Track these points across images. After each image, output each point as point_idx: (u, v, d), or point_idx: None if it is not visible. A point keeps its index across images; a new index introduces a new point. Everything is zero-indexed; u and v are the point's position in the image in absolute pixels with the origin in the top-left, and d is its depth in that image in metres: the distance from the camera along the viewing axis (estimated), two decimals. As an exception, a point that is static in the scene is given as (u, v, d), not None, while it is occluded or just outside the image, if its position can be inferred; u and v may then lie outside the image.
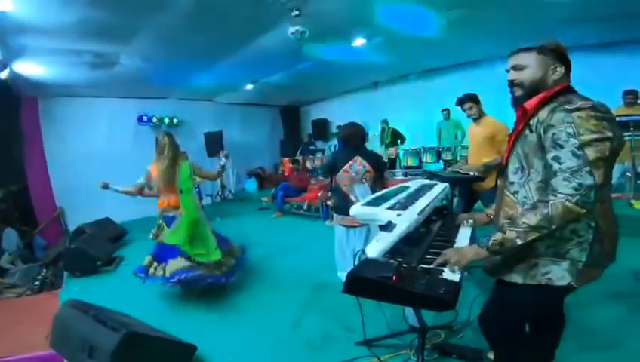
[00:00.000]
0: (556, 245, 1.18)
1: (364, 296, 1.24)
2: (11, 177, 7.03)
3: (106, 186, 3.24)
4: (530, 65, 1.24)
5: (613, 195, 1.32)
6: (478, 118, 3.10)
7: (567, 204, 1.04)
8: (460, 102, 3.14)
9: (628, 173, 4.38)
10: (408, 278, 1.17)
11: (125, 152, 7.43)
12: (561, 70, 1.21)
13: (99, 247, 4.57)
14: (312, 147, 9.60)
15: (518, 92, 1.27)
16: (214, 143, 8.82)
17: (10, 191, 7.16)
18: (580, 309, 2.26)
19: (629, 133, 4.02)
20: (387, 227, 1.30)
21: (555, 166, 1.09)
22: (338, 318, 2.53)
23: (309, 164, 8.47)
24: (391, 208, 1.47)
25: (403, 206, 1.50)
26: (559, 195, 1.05)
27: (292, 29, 4.40)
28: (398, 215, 1.36)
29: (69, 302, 2.01)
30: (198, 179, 6.85)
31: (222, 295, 3.21)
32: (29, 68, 5.22)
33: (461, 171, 3.10)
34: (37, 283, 4.15)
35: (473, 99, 3.08)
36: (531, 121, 1.20)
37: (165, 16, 4.09)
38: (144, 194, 3.32)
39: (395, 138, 7.69)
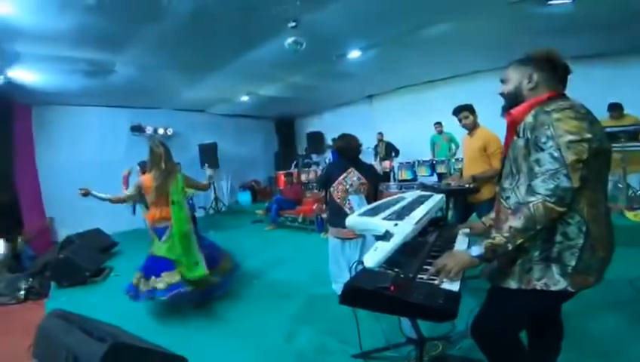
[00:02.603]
0: (547, 249, 1.19)
1: (361, 307, 1.22)
2: (1, 187, 6.91)
3: (86, 193, 3.13)
4: (510, 78, 1.34)
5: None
6: (473, 128, 3.14)
7: (548, 204, 1.09)
8: (457, 111, 3.17)
9: (619, 185, 4.44)
10: (406, 289, 1.15)
11: (117, 163, 7.31)
12: (537, 77, 1.26)
13: (88, 258, 4.48)
14: (306, 160, 9.62)
15: (505, 102, 1.37)
16: (209, 155, 8.77)
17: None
18: (579, 318, 2.25)
19: (620, 145, 4.09)
20: (384, 236, 1.28)
21: (536, 168, 1.14)
22: (333, 331, 2.48)
23: (303, 177, 8.47)
24: (387, 218, 1.45)
25: (399, 216, 1.48)
26: (538, 196, 1.10)
27: (289, 40, 4.46)
28: (395, 224, 1.35)
29: (53, 311, 1.95)
30: (190, 191, 6.83)
31: (214, 307, 3.15)
32: (23, 75, 5.19)
33: (452, 183, 3.13)
34: (22, 292, 4.03)
35: (469, 109, 3.13)
36: (519, 127, 1.26)
37: (161, 25, 4.10)
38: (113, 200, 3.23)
39: (389, 151, 7.75)
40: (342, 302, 1.20)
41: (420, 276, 1.27)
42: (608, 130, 4.00)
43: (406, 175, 7.08)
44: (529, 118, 1.21)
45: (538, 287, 1.20)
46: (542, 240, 1.19)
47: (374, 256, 1.16)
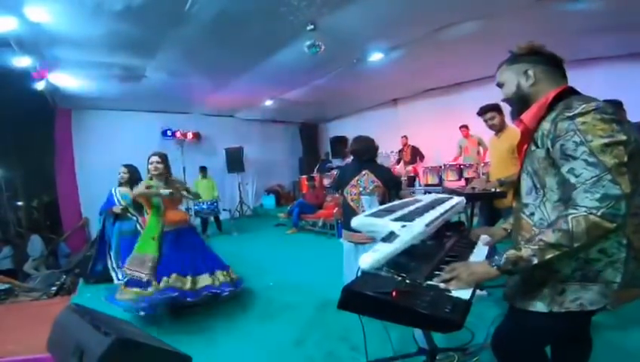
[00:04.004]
0: (584, 268, 1.04)
1: (360, 313, 1.13)
2: (44, 187, 7.39)
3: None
4: (505, 80, 1.23)
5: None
6: (500, 129, 2.99)
7: (592, 217, 0.89)
8: (483, 111, 3.03)
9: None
10: (410, 295, 1.05)
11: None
12: (533, 71, 1.14)
13: (115, 256, 4.62)
14: (328, 164, 9.57)
15: (511, 108, 1.25)
16: (235, 159, 8.94)
17: (42, 201, 7.54)
18: (615, 330, 2.08)
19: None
20: (388, 238, 1.19)
21: (573, 179, 0.96)
22: (344, 337, 2.41)
23: (325, 181, 8.42)
24: (396, 219, 1.36)
25: (410, 218, 1.38)
26: (581, 209, 0.91)
27: (307, 43, 4.49)
28: (403, 226, 1.25)
29: (70, 306, 1.99)
30: (215, 194, 6.94)
31: (227, 309, 3.15)
32: (63, 79, 5.51)
33: (478, 187, 2.96)
34: (54, 288, 4.24)
35: (496, 109, 2.96)
36: (535, 135, 1.11)
37: (186, 31, 4.24)
38: None
39: (414, 155, 7.55)
40: (340, 306, 1.11)
41: (429, 283, 1.17)
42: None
43: (432, 179, 6.84)
44: (546, 125, 1.06)
45: (573, 309, 1.06)
46: (575, 259, 1.04)
47: (370, 257, 1.07)
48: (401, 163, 7.72)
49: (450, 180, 6.57)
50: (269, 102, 8.32)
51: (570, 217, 0.92)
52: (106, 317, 1.97)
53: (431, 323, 0.99)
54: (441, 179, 6.68)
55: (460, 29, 4.62)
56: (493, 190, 2.83)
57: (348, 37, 4.75)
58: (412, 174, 7.36)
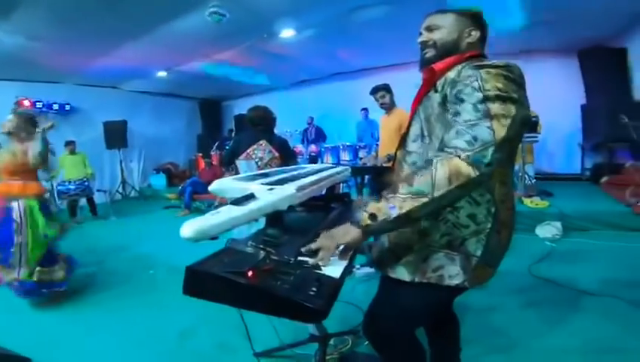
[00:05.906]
0: (451, 233, 0.98)
1: (209, 299, 0.88)
2: None
3: None
4: (444, 26, 1.10)
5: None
6: (390, 108, 3.13)
7: (456, 161, 0.83)
8: (374, 91, 3.15)
9: (520, 173, 4.81)
10: (271, 275, 0.85)
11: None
12: (476, 34, 1.09)
13: None
14: (228, 141, 9.04)
15: (430, 53, 1.11)
16: (116, 134, 7.76)
17: None
18: (482, 308, 2.22)
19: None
20: (241, 201, 0.96)
21: (452, 120, 0.91)
22: (238, 326, 2.17)
23: (226, 159, 7.94)
24: (267, 184, 1.14)
25: (283, 183, 1.19)
26: (449, 150, 0.85)
27: (210, 10, 4.03)
28: (270, 189, 1.05)
29: None
30: (89, 171, 5.89)
31: (94, 301, 2.72)
32: None
33: (368, 163, 3.06)
34: None
35: (386, 88, 3.12)
36: (438, 82, 1.03)
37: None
38: None
39: (318, 135, 7.66)
40: (185, 291, 0.86)
41: (299, 259, 0.98)
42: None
43: (331, 159, 7.00)
44: (451, 73, 1.00)
45: (433, 280, 1.00)
46: (444, 221, 0.98)
47: (197, 223, 0.80)
48: (305, 142, 7.75)
49: (346, 160, 6.81)
50: (162, 74, 7.38)
51: (435, 160, 0.86)
52: None
53: (291, 310, 0.79)
54: (339, 159, 6.88)
55: (369, 12, 4.68)
56: (381, 165, 2.91)
57: (257, 9, 4.36)
58: (314, 153, 7.44)
